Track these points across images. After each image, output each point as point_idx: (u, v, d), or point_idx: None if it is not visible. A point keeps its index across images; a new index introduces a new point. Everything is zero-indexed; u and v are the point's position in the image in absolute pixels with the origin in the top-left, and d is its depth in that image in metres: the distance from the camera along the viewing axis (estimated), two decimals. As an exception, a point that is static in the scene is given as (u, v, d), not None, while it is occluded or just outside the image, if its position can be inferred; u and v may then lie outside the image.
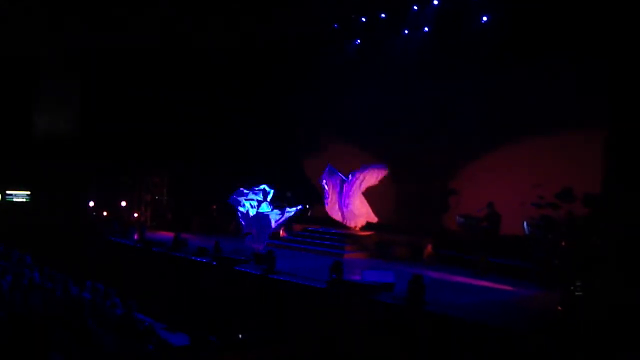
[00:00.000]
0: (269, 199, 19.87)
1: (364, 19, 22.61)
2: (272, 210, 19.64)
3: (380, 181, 20.45)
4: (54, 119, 26.02)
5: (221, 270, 16.12)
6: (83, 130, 26.08)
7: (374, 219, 20.55)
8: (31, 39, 24.29)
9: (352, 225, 20.58)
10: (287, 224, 21.75)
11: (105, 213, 25.82)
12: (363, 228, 20.38)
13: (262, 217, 19.47)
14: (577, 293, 11.77)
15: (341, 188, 20.69)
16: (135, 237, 20.75)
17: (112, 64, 25.21)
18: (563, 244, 14.01)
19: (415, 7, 21.05)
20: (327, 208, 21.26)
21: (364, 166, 20.69)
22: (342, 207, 20.73)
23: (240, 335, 10.64)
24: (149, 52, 24.95)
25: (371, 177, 20.47)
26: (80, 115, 26.38)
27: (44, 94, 26.06)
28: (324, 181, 21.16)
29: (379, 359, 11.38)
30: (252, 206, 19.80)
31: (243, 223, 19.96)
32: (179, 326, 10.82)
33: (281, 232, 21.44)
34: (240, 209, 19.94)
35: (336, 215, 21.03)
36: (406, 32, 21.68)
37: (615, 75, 13.16)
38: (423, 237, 18.74)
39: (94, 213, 25.84)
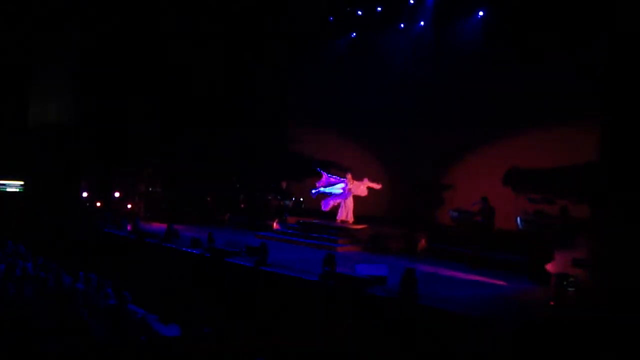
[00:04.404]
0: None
1: (359, 13, 22.58)
2: None
3: (368, 189, 20.41)
4: (48, 109, 25.92)
5: (214, 262, 16.12)
6: (77, 120, 26.00)
7: (350, 219, 20.49)
8: (26, 29, 24.25)
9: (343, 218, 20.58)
10: (281, 216, 21.80)
11: (98, 204, 25.77)
12: (354, 220, 20.37)
13: None
14: (569, 288, 11.83)
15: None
16: (129, 228, 20.71)
17: (106, 55, 25.13)
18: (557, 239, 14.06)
19: (411, 1, 21.02)
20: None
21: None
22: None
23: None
24: (144, 43, 24.94)
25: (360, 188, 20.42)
26: (74, 106, 26.29)
27: (37, 83, 25.96)
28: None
29: (370, 352, 11.40)
30: None
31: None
32: (172, 317, 10.80)
33: (274, 224, 21.44)
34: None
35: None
36: (402, 26, 21.66)
37: (611, 68, 13.17)
38: (417, 230, 18.75)
39: (88, 204, 25.78)
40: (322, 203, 20.98)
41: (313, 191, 21.48)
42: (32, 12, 24.12)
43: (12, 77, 24.94)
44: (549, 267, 13.21)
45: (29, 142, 24.75)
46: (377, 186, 20.24)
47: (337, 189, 20.66)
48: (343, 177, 20.50)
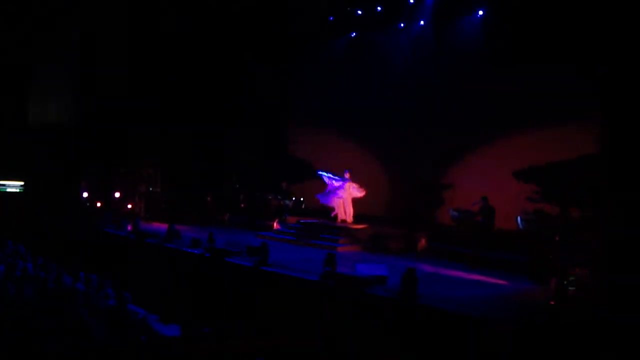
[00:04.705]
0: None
1: (359, 12, 22.57)
2: None
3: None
4: (48, 109, 25.92)
5: (214, 262, 16.11)
6: (77, 120, 25.99)
7: (350, 219, 20.45)
8: (26, 29, 24.25)
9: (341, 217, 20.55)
10: (281, 216, 21.78)
11: (99, 204, 25.77)
12: (354, 220, 20.33)
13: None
14: (570, 288, 11.83)
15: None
16: (129, 228, 20.70)
17: (106, 54, 25.13)
18: (557, 238, 14.05)
19: (411, 1, 21.02)
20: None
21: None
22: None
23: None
24: (144, 43, 24.96)
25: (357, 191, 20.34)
26: (74, 106, 26.28)
27: (37, 83, 25.96)
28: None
29: (370, 352, 11.40)
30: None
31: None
32: (172, 317, 10.81)
33: (275, 224, 21.43)
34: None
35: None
36: (402, 25, 21.65)
37: (611, 68, 13.17)
38: (417, 230, 18.75)
39: (88, 204, 25.78)
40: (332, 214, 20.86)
41: (320, 197, 21.31)
42: (32, 12, 24.11)
43: (12, 77, 24.94)
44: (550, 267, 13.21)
45: (29, 142, 24.74)
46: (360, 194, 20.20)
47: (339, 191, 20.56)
48: (343, 177, 20.46)
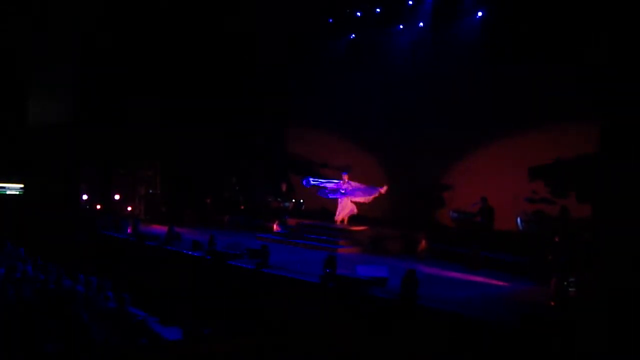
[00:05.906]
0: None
1: (358, 14, 22.59)
2: None
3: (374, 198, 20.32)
4: (48, 109, 25.90)
5: (215, 265, 16.10)
6: (77, 120, 25.96)
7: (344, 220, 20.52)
8: (26, 28, 24.27)
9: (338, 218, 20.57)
10: (281, 218, 21.77)
11: (98, 206, 25.75)
12: (353, 222, 20.31)
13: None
14: (570, 288, 11.82)
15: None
16: (129, 230, 20.67)
17: (106, 54, 25.13)
18: (556, 239, 14.06)
19: (410, 2, 21.04)
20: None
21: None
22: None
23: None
24: (144, 44, 24.96)
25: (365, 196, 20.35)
26: (74, 106, 26.26)
27: (37, 83, 25.94)
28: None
29: (370, 353, 11.39)
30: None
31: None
32: (173, 320, 10.80)
33: (275, 226, 21.42)
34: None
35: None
36: (401, 27, 21.67)
37: (611, 68, 13.16)
38: (417, 231, 18.74)
39: (88, 206, 25.76)
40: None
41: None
42: (32, 11, 24.12)
43: (12, 77, 24.93)
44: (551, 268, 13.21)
45: (28, 143, 24.73)
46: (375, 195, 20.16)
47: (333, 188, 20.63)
48: (339, 180, 20.48)
